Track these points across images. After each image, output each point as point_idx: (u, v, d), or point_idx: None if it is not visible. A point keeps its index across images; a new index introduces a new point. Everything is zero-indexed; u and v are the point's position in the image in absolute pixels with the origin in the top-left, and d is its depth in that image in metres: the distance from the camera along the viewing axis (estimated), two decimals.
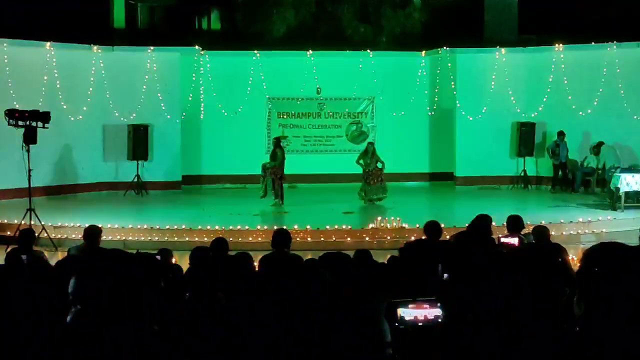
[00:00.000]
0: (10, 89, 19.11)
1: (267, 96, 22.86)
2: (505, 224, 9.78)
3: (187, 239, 14.56)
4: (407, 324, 4.68)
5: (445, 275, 6.79)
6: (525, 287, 3.58)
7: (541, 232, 9.05)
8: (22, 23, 19.79)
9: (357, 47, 22.80)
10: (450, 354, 4.02)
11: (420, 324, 4.59)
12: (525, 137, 21.75)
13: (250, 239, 14.36)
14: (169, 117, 21.62)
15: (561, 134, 20.91)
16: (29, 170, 14.69)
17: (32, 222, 14.48)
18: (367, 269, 5.90)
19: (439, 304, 4.48)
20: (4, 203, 18.20)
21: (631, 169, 18.08)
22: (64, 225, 15.34)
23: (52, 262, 8.72)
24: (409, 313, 4.75)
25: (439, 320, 4.49)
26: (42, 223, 14.64)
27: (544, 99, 21.64)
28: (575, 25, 21.66)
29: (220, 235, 10.10)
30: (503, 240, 9.08)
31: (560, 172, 21.21)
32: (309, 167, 22.02)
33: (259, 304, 4.92)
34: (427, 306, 4.59)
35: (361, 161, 18.77)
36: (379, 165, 18.65)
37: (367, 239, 14.57)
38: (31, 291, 5.60)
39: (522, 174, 21.91)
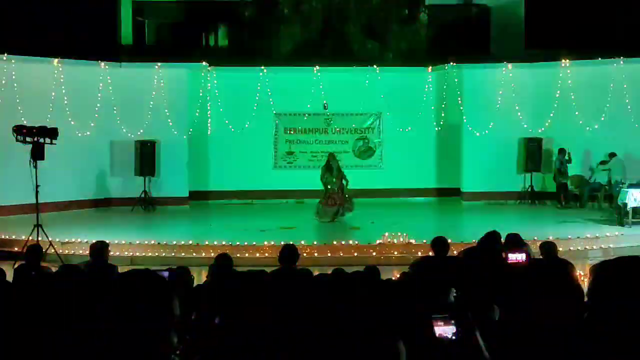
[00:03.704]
0: (18, 105, 19.20)
1: (274, 112, 22.90)
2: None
3: (194, 254, 14.56)
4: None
5: (454, 291, 6.77)
6: (537, 303, 3.56)
7: (549, 247, 9.03)
8: (30, 39, 19.88)
9: (364, 62, 22.82)
10: None
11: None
12: (532, 153, 21.74)
13: (257, 254, 14.35)
14: (176, 133, 21.67)
15: (563, 151, 20.91)
16: (37, 186, 14.69)
17: (40, 238, 14.48)
18: (378, 286, 5.89)
19: (452, 321, 4.45)
20: (11, 219, 18.23)
21: (639, 185, 18.03)
22: (72, 241, 15.35)
23: None
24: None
25: (454, 337, 4.46)
26: (50, 239, 14.64)
27: (551, 115, 21.63)
28: (582, 41, 21.66)
29: (227, 252, 10.09)
30: (510, 256, 9.05)
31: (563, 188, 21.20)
32: (315, 182, 21.99)
33: (268, 324, 4.90)
34: (442, 323, 4.56)
35: (326, 178, 18.42)
36: (344, 182, 18.39)
37: (374, 254, 14.55)
38: (39, 306, 5.60)
39: (529, 190, 21.88)
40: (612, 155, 20.30)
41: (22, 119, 17.68)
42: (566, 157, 20.93)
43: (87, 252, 10.09)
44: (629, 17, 21.72)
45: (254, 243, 14.85)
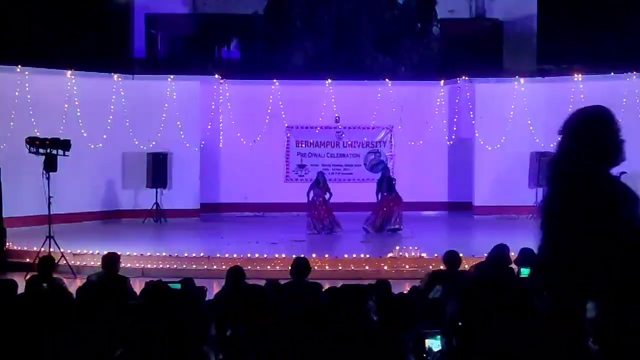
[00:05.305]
0: (31, 117, 19.24)
1: (286, 125, 22.93)
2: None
3: (205, 267, 14.55)
4: (435, 355, 4.64)
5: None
6: (549, 318, 3.54)
7: None
8: (43, 51, 19.99)
9: (376, 76, 22.84)
10: None
11: None
12: (545, 167, 21.65)
13: (268, 267, 14.33)
14: (188, 145, 21.71)
15: None
16: (49, 198, 14.74)
17: (52, 250, 14.51)
18: (390, 300, 5.88)
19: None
20: (24, 230, 18.24)
21: None
22: (83, 253, 15.37)
23: (71, 290, 8.76)
24: (436, 344, 4.71)
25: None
26: (62, 250, 14.67)
27: None
28: (594, 55, 21.62)
29: (238, 264, 10.08)
30: (523, 271, 9.01)
31: None
32: None
33: (278, 336, 4.90)
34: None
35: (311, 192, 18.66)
36: (327, 196, 18.46)
37: (385, 268, 14.50)
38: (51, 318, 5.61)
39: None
40: (622, 173, 20.21)
41: (35, 130, 17.74)
42: None
43: (99, 263, 10.12)
44: None
45: (265, 256, 14.84)
